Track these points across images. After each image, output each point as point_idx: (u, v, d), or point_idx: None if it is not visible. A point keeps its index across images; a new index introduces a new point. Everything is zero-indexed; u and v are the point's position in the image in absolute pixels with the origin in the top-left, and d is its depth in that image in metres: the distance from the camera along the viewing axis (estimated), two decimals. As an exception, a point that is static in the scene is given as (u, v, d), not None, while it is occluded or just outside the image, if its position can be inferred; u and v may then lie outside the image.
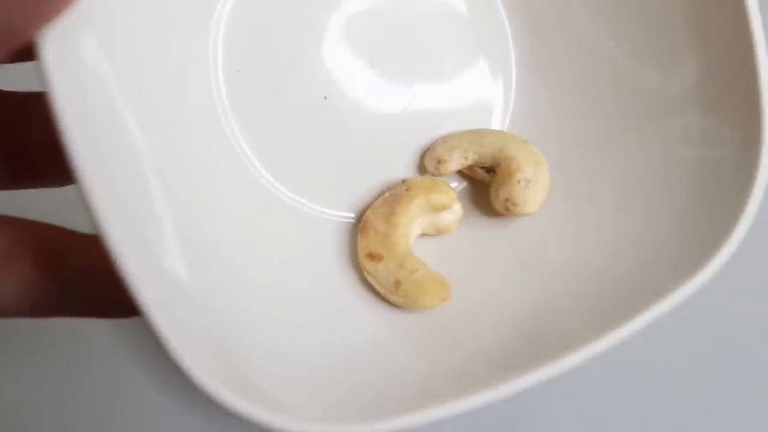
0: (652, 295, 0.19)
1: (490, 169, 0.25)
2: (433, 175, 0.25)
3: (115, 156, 0.16)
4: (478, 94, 0.26)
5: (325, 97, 0.24)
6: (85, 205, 0.15)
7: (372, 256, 0.22)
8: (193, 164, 0.20)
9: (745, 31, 0.20)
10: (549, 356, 0.18)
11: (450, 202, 0.23)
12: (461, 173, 0.26)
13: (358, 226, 0.24)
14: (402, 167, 0.25)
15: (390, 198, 0.24)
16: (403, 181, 0.24)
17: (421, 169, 0.25)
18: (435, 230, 0.24)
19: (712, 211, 0.20)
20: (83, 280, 0.17)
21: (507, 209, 0.24)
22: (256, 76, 0.23)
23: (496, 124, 0.26)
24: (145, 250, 0.16)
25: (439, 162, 0.24)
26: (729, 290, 0.31)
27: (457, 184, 0.26)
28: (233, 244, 0.21)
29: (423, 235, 0.24)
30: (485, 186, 0.25)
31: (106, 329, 0.31)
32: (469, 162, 0.25)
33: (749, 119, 0.20)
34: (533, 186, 0.24)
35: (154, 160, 0.18)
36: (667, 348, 0.31)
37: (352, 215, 0.24)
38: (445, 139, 0.25)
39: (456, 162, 0.24)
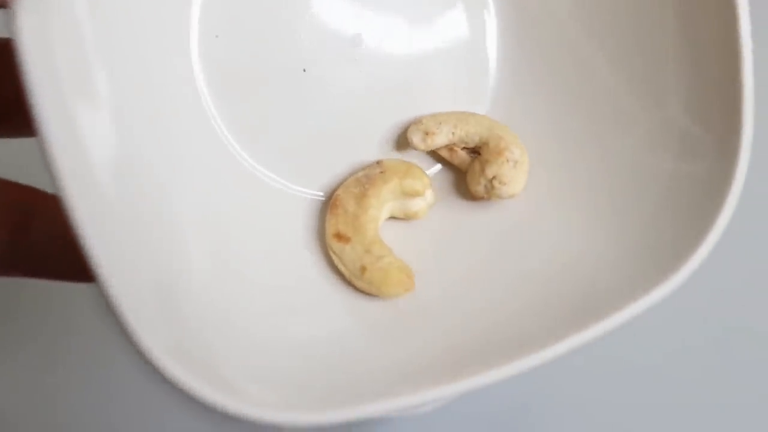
0: (620, 299, 0.19)
1: (473, 151, 0.24)
2: (416, 148, 0.24)
3: (80, 111, 0.16)
4: (461, 80, 0.26)
5: (304, 70, 0.23)
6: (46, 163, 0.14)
7: (339, 237, 0.22)
8: (162, 125, 0.20)
9: (733, 44, 0.20)
10: (511, 353, 0.18)
11: (423, 189, 0.23)
12: (437, 155, 0.25)
13: (328, 203, 0.23)
14: (375, 149, 0.25)
15: (363, 178, 0.23)
16: (378, 163, 0.23)
17: (400, 143, 0.25)
18: (404, 215, 0.24)
19: (686, 217, 0.20)
20: (47, 243, 0.17)
21: (492, 188, 0.23)
22: (235, 43, 0.22)
23: (479, 110, 0.26)
24: (104, 214, 0.15)
25: (426, 134, 0.24)
26: (698, 298, 0.32)
27: (429, 171, 0.25)
28: (195, 213, 0.20)
29: (391, 218, 0.24)
30: (458, 173, 0.25)
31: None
32: (456, 138, 0.24)
33: (729, 130, 0.20)
34: (520, 167, 0.23)
35: (121, 118, 0.18)
36: (647, 350, 0.32)
37: (321, 193, 0.24)
38: (433, 115, 0.24)
39: (444, 136, 0.24)
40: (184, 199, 0.20)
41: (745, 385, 0.32)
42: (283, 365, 0.18)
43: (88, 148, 0.16)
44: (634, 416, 0.31)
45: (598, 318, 0.18)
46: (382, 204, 0.23)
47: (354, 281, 0.22)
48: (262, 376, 0.17)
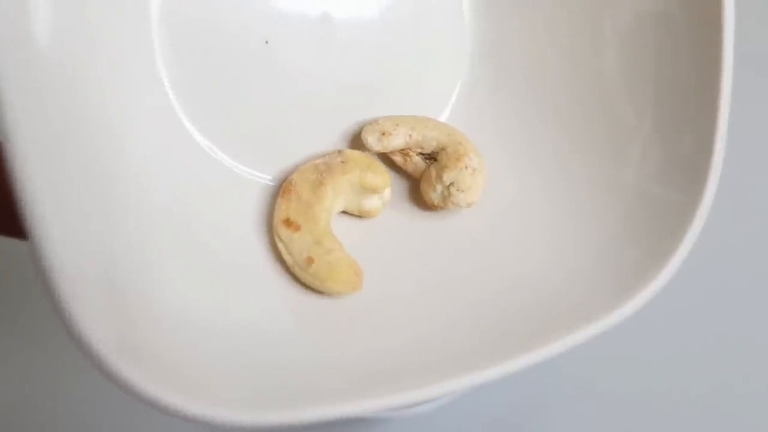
0: (569, 322, 0.18)
1: (429, 157, 0.23)
2: (371, 149, 0.23)
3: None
4: (429, 80, 0.25)
5: (267, 42, 0.22)
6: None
7: (289, 223, 0.20)
8: (111, 81, 0.18)
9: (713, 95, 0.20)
10: (450, 371, 0.17)
11: (383, 186, 0.22)
12: (389, 161, 0.24)
13: (278, 189, 0.22)
14: (334, 138, 0.23)
15: (321, 166, 0.22)
16: (339, 152, 0.22)
17: (355, 143, 0.23)
18: (358, 211, 0.22)
19: (650, 237, 0.20)
20: None
21: (449, 195, 0.22)
22: (195, 3, 0.21)
23: (439, 115, 0.25)
24: (49, 172, 0.14)
25: (383, 134, 0.23)
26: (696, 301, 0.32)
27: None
28: (140, 182, 0.18)
29: (343, 212, 0.23)
30: (412, 181, 0.24)
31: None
32: (413, 142, 0.23)
33: (698, 165, 0.20)
34: (478, 175, 0.22)
35: (73, 79, 0.16)
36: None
37: (270, 177, 0.22)
38: (390, 116, 0.23)
39: (400, 138, 0.23)
40: (129, 163, 0.18)
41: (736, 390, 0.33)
42: (215, 358, 0.17)
43: (41, 99, 0.15)
44: (630, 418, 0.31)
45: (554, 337, 0.17)
46: (338, 195, 0.21)
47: (298, 272, 0.20)
48: (190, 364, 0.16)
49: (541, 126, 0.24)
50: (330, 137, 0.23)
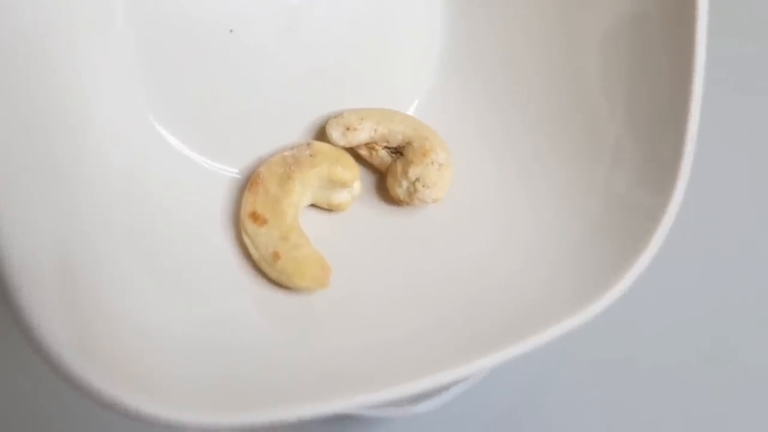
0: (541, 318, 0.18)
1: (395, 151, 0.23)
2: (335, 144, 0.22)
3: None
4: (400, 74, 0.25)
5: (231, 30, 0.21)
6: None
7: (256, 217, 0.20)
8: (71, 78, 0.17)
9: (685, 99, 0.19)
10: (420, 370, 0.16)
11: (352, 180, 0.22)
12: (355, 154, 0.23)
13: (246, 181, 0.21)
14: (303, 130, 0.23)
15: (290, 159, 0.21)
16: (308, 144, 0.22)
17: (324, 135, 0.23)
18: (327, 204, 0.22)
19: (618, 238, 0.20)
20: None
21: (414, 191, 0.22)
22: None
23: (407, 108, 0.25)
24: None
25: (347, 129, 0.22)
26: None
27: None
28: (100, 179, 0.17)
29: (312, 205, 0.22)
30: (378, 174, 0.24)
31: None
32: (378, 136, 0.23)
33: (669, 165, 0.20)
34: (445, 171, 0.22)
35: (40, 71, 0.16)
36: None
37: (237, 170, 0.22)
38: (355, 110, 0.23)
39: (365, 132, 0.22)
40: (88, 155, 0.17)
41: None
42: (177, 356, 0.16)
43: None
44: (626, 418, 0.32)
45: (520, 337, 0.17)
46: (306, 189, 0.21)
47: (264, 267, 0.20)
48: (150, 363, 0.15)
49: (515, 122, 0.24)
50: (298, 129, 0.23)
